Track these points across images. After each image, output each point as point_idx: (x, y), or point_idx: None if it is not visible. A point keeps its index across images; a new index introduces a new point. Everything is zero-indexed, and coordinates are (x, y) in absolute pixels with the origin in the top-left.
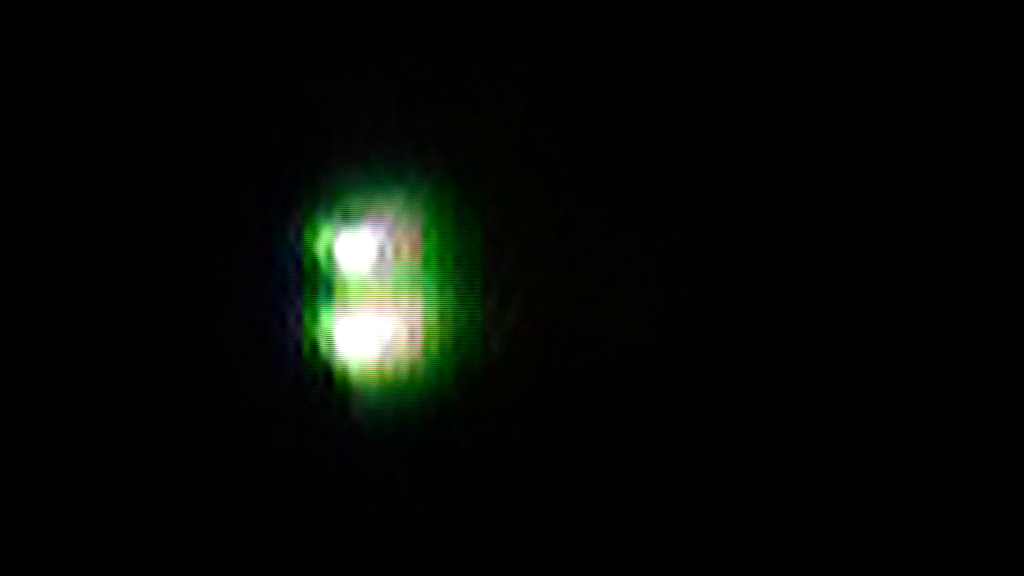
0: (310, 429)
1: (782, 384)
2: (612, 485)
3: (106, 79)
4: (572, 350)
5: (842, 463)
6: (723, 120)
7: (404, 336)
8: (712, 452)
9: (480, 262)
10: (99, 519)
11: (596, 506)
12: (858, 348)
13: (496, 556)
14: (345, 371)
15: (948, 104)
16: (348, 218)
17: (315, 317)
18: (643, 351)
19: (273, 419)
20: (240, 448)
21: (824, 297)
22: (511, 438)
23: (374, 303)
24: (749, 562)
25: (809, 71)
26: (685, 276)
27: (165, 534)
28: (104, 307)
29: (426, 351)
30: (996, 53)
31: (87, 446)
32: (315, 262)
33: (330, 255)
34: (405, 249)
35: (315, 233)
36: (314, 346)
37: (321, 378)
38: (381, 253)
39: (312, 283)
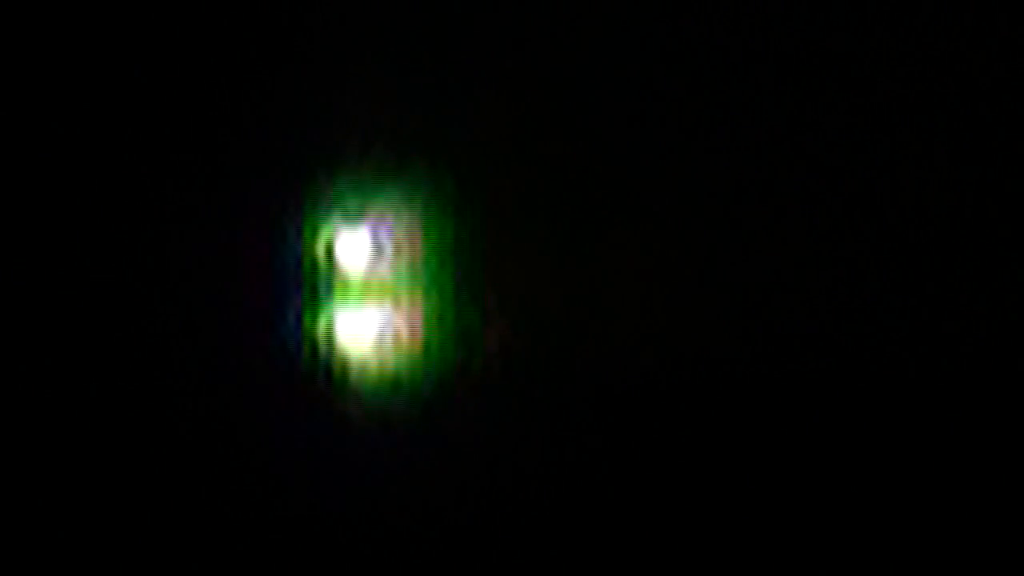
0: (309, 426)
1: (782, 384)
2: (611, 483)
3: (106, 79)
4: (570, 347)
5: (842, 463)
6: (723, 120)
7: (403, 334)
8: (712, 452)
9: (478, 260)
10: (99, 518)
11: (595, 504)
12: (858, 348)
13: (494, 553)
14: (344, 368)
15: (948, 104)
16: (347, 217)
17: (314, 315)
18: (642, 348)
19: (272, 415)
20: (239, 444)
21: (824, 297)
22: (509, 435)
23: (373, 301)
24: (749, 562)
25: (809, 71)
26: (684, 274)
27: (164, 531)
28: (104, 305)
29: (425, 349)
30: (996, 53)
31: (86, 443)
32: (314, 260)
33: (330, 253)
34: (404, 247)
35: (315, 231)
36: (313, 344)
37: (320, 375)
38: (380, 251)
39: (311, 281)
